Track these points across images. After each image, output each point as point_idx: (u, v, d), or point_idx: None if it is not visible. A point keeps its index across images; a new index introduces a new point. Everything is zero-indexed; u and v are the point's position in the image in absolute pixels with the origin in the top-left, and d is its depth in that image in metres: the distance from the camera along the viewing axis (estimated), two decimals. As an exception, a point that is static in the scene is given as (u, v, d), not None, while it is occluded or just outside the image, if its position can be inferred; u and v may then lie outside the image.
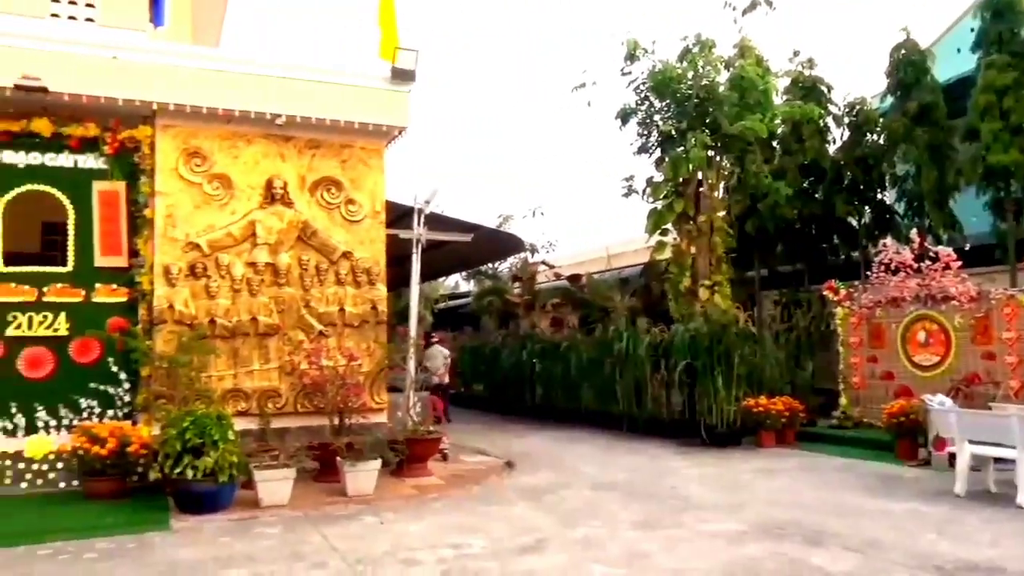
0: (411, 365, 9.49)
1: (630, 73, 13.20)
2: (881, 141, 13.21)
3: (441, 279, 24.35)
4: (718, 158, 13.09)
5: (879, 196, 13.67)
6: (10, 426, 7.55)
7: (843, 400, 11.62)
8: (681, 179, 12.77)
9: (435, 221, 10.18)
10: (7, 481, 7.34)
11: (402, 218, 9.95)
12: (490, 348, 17.65)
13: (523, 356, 15.47)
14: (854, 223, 13.92)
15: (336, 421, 8.17)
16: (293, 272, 8.70)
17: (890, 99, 13.02)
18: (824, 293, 12.38)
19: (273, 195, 8.66)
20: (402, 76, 9.09)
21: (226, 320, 8.34)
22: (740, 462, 9.52)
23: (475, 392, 18.43)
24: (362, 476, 7.44)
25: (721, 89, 12.82)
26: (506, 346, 16.78)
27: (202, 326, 8.17)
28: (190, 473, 6.61)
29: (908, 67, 12.42)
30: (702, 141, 12.27)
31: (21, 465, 7.37)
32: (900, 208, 13.28)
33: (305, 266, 8.75)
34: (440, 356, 14.74)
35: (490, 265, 20.65)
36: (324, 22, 60.64)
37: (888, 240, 12.10)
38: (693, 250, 12.90)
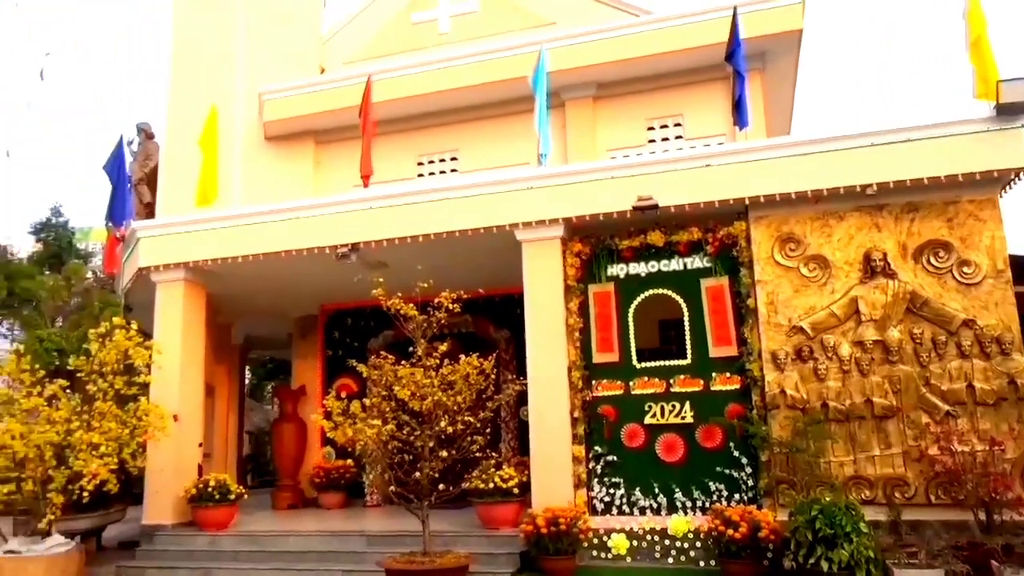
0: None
1: None
2: None
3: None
4: None
5: None
6: (655, 505, 8.51)
7: None
8: None
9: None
10: (657, 555, 8.19)
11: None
12: None
13: None
14: None
15: (983, 516, 7.05)
16: (906, 347, 8.02)
17: None
18: None
19: (873, 268, 8.23)
20: (1011, 111, 7.87)
21: (838, 403, 8.07)
22: None
23: None
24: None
25: None
26: None
27: (815, 410, 8.06)
28: (825, 565, 6.42)
29: None
30: None
31: (667, 541, 8.15)
32: None
33: (919, 340, 7.99)
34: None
35: None
36: (876, 81, 57.68)
37: None
38: None
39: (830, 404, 8.08)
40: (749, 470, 8.30)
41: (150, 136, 14.40)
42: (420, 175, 13.38)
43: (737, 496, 8.30)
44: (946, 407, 7.78)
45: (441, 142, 13.45)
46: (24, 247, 34.36)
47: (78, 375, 9.07)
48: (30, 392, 8.59)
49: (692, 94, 12.31)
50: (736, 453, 8.37)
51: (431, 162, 13.49)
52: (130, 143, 13.93)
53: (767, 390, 8.26)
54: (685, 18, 11.74)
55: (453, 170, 13.29)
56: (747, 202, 8.58)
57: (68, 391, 8.88)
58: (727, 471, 8.38)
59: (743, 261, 8.64)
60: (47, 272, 29.37)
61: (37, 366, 8.98)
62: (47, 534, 8.42)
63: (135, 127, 14.49)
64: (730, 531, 7.41)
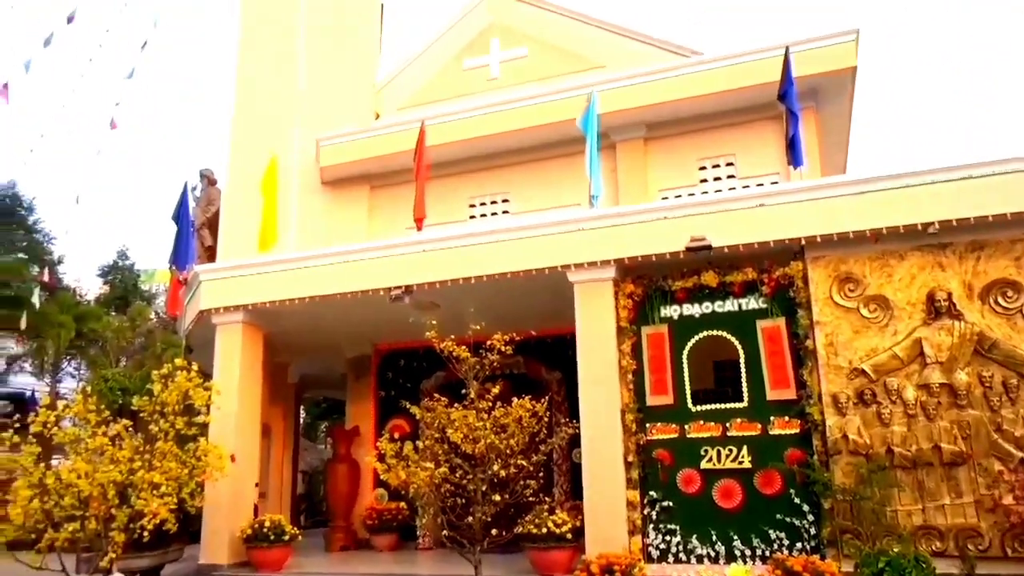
0: None
1: None
2: None
3: None
4: None
5: None
6: (712, 553, 8.28)
7: None
8: None
9: None
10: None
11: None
12: None
13: None
14: None
15: (1065, 572, 6.68)
16: (974, 391, 7.72)
17: None
18: None
19: (937, 309, 7.97)
20: (1080, 146, 7.63)
21: (904, 448, 7.78)
22: None
23: None
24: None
25: None
26: None
27: (879, 456, 7.78)
28: (897, 621, 6.13)
29: None
30: None
31: (726, 592, 7.89)
32: None
33: (988, 383, 7.68)
34: None
35: None
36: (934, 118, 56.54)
37: None
38: None
39: (895, 450, 7.80)
40: (811, 518, 8.03)
41: (212, 182, 14.91)
42: (472, 217, 13.53)
43: (799, 545, 8.02)
44: (1020, 454, 7.43)
45: (492, 185, 13.61)
46: (92, 289, 35.72)
47: (140, 415, 9.31)
48: (95, 432, 8.84)
49: (744, 133, 12.24)
50: (797, 500, 8.11)
51: (483, 204, 13.64)
52: (194, 189, 14.42)
53: (828, 435, 8.02)
54: (736, 58, 11.73)
55: (504, 212, 13.42)
56: (803, 242, 8.44)
57: (130, 430, 9.11)
58: (788, 519, 8.11)
59: (800, 302, 8.47)
60: (113, 313, 30.44)
61: (103, 406, 9.25)
62: (108, 572, 8.58)
63: (198, 173, 15.04)
64: (792, 582, 7.14)
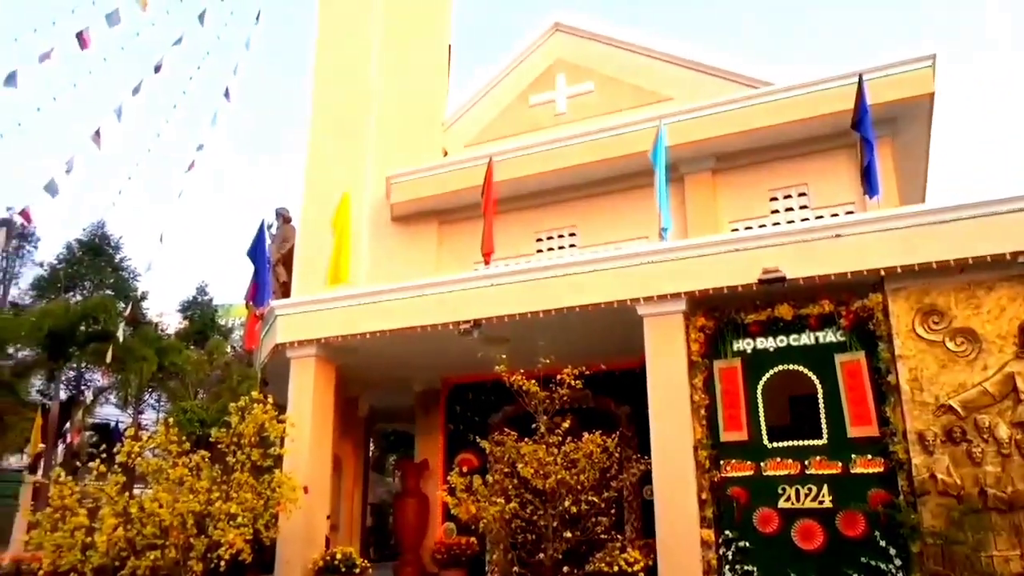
0: None
1: None
2: None
3: None
4: None
5: None
6: (792, 597, 7.94)
7: None
8: None
9: None
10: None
11: None
12: None
13: None
14: None
15: None
16: (1075, 430, 7.28)
17: None
18: None
19: (1030, 342, 7.58)
20: None
21: (999, 490, 7.35)
22: None
23: None
24: None
25: None
26: None
27: (971, 497, 7.38)
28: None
29: None
30: None
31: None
32: None
33: (1090, 421, 7.23)
34: None
35: None
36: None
37: None
38: None
39: (989, 491, 7.38)
40: (898, 562, 7.63)
41: (287, 220, 15.40)
42: (539, 251, 13.58)
43: (886, 590, 7.64)
44: None
45: (559, 219, 13.66)
46: (172, 324, 37.16)
47: (218, 446, 9.56)
48: (176, 462, 9.12)
49: (816, 163, 11.99)
50: (882, 543, 7.73)
51: (550, 238, 13.69)
52: (270, 227, 14.94)
53: (915, 475, 7.65)
54: (808, 87, 11.54)
55: (571, 245, 13.42)
56: (882, 273, 8.16)
57: (208, 461, 9.36)
58: (873, 562, 7.73)
59: (880, 335, 8.17)
60: (192, 347, 31.54)
61: (183, 436, 9.55)
62: (186, 601, 8.78)
63: (275, 212, 15.57)
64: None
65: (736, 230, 11.54)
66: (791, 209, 12.05)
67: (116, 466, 9.17)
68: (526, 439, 7.76)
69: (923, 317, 8.04)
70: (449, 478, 7.89)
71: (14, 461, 25.10)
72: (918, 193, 13.45)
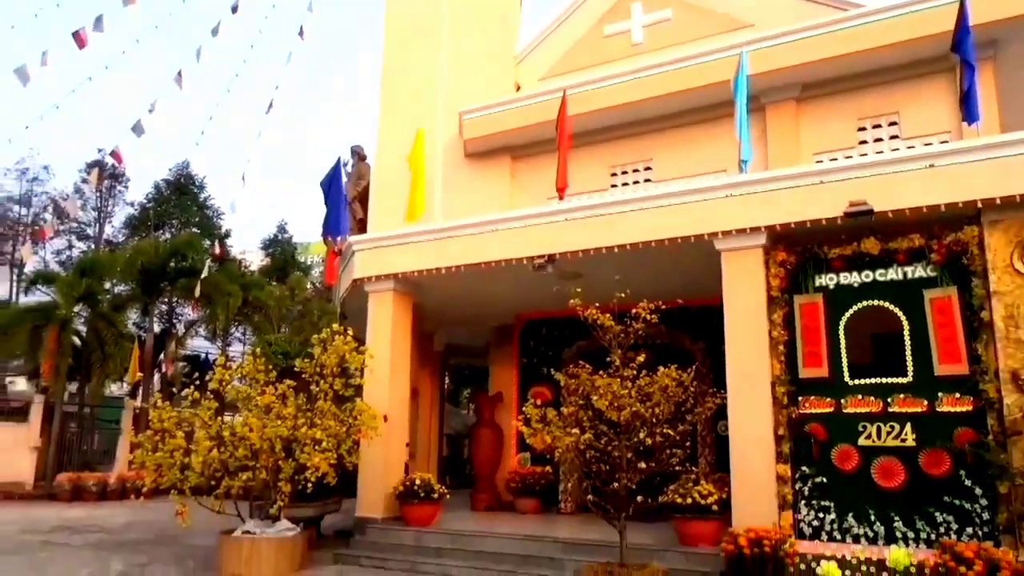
0: None
1: None
2: None
3: None
4: None
5: None
6: (870, 533, 7.87)
7: None
8: None
9: None
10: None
11: None
12: None
13: None
14: None
15: None
16: None
17: None
18: None
19: None
20: None
21: (1097, 432, 7.05)
22: None
23: None
24: None
25: None
26: None
27: (1068, 438, 7.09)
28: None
29: None
30: None
31: (884, 574, 7.50)
32: None
33: None
34: None
35: None
36: None
37: None
38: None
39: (1086, 433, 7.07)
40: (984, 502, 7.44)
41: (363, 158, 15.57)
42: (614, 186, 13.40)
43: (969, 531, 7.47)
44: None
45: (634, 152, 13.40)
46: (255, 260, 38.50)
47: (302, 376, 9.97)
48: (263, 390, 9.57)
49: (909, 89, 11.36)
50: (968, 482, 7.54)
51: (624, 172, 13.48)
52: (345, 165, 15.13)
53: (1006, 414, 7.37)
54: (902, 8, 10.86)
55: (647, 180, 13.19)
56: (979, 205, 7.74)
57: (293, 390, 9.78)
58: (956, 502, 7.57)
59: (975, 270, 7.80)
60: (274, 283, 32.68)
61: (269, 367, 9.98)
62: (276, 519, 9.33)
63: (350, 150, 15.75)
64: (962, 568, 6.67)
65: (820, 162, 11.10)
66: (880, 140, 11.51)
67: (208, 393, 9.69)
68: (600, 372, 7.79)
69: (1022, 251, 7.62)
70: (524, 409, 8.02)
71: (115, 389, 26.80)
72: (1021, 119, 12.58)
